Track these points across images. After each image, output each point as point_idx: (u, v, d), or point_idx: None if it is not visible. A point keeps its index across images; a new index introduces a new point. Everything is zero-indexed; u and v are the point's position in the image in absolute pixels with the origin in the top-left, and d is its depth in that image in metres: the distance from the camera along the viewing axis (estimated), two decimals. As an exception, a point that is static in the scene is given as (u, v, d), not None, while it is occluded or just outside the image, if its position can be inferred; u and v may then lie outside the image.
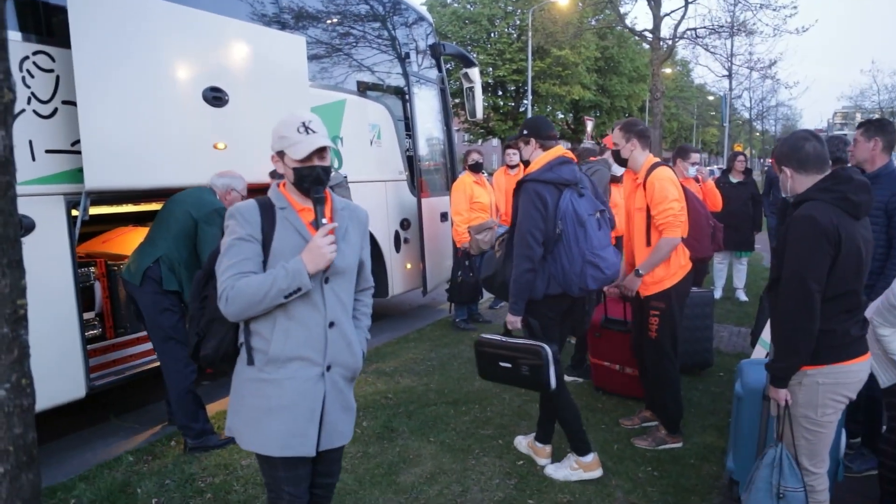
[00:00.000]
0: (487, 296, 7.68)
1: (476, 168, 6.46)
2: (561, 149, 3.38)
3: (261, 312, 1.94)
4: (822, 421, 2.40)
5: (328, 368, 2.04)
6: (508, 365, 3.24)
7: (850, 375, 2.37)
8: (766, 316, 3.43)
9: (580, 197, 3.28)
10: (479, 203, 6.27)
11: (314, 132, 1.97)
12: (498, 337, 3.35)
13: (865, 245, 2.35)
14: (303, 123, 1.97)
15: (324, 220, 1.96)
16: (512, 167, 6.84)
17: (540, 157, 3.35)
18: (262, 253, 1.97)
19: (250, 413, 2.02)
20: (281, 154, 2.01)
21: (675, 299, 3.71)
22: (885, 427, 2.98)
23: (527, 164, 3.46)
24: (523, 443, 3.82)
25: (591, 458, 3.45)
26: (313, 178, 1.98)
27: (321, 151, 1.99)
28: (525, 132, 3.42)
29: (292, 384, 1.98)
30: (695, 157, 5.68)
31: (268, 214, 1.99)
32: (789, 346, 2.34)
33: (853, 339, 2.38)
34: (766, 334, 3.93)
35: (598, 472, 3.45)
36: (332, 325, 2.03)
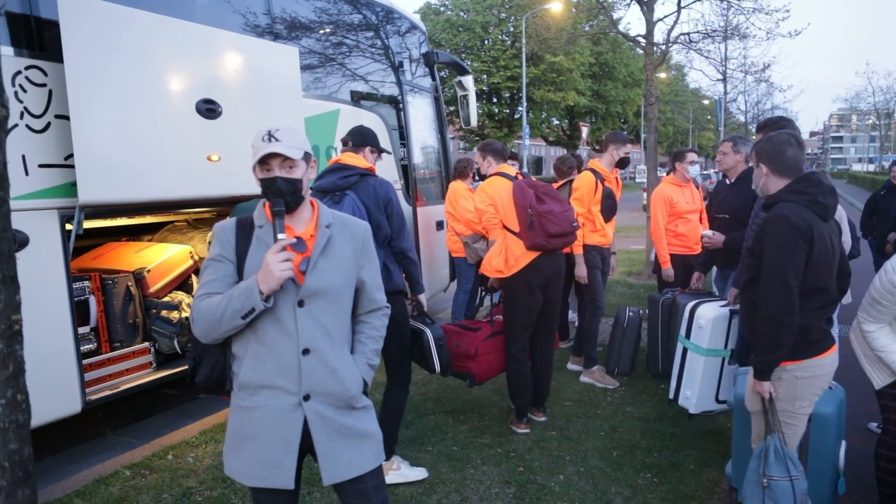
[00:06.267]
0: (488, 304, 7.65)
1: (465, 175, 6.53)
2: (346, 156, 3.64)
3: (225, 333, 1.87)
4: (799, 413, 2.55)
5: (306, 398, 1.91)
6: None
7: (824, 368, 2.54)
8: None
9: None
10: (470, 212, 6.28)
11: (277, 140, 1.85)
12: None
13: (833, 246, 2.47)
14: (268, 132, 1.86)
15: (281, 236, 1.82)
16: None
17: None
18: (237, 273, 1.91)
19: (230, 439, 1.99)
20: (254, 168, 1.93)
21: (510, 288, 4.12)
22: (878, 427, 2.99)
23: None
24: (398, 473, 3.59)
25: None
26: (273, 191, 1.87)
27: (286, 163, 1.88)
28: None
29: (262, 413, 1.90)
30: (692, 156, 5.42)
31: (244, 234, 1.94)
32: (772, 340, 2.44)
33: (824, 334, 2.53)
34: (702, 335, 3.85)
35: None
36: (306, 351, 1.89)
